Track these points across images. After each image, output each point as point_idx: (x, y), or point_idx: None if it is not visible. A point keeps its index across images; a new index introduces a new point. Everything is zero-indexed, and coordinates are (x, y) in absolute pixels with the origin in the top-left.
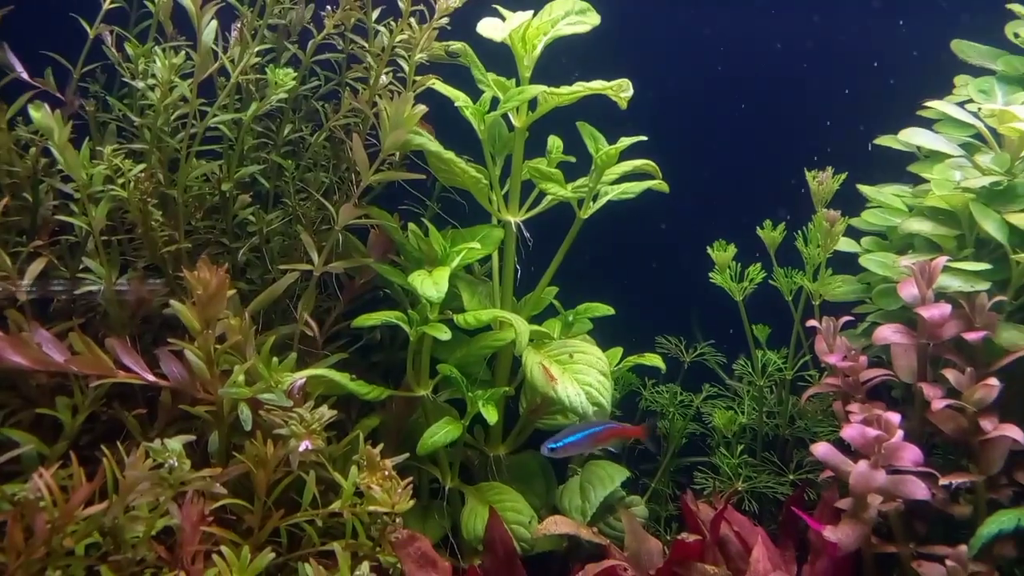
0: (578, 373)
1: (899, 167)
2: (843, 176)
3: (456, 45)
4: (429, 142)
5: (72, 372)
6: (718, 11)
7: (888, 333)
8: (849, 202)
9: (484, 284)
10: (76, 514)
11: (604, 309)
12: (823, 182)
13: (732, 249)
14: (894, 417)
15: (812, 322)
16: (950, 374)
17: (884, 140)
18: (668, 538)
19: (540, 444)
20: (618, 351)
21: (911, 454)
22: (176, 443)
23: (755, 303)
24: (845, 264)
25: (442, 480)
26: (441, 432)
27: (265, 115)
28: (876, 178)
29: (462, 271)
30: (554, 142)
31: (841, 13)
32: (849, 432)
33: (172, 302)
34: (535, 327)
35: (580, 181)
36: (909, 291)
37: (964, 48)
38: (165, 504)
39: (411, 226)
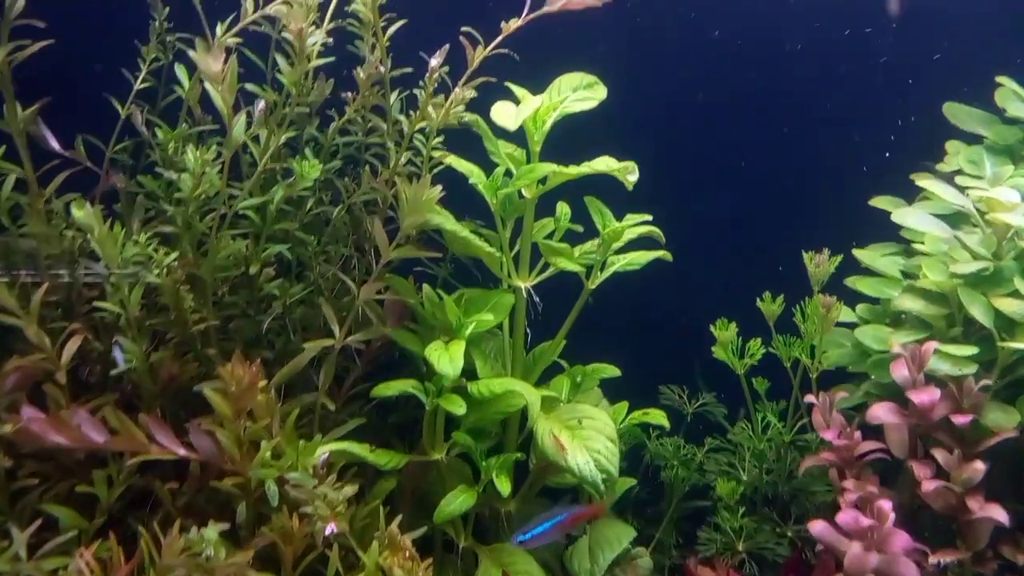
0: (587, 440)
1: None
2: (838, 259)
3: (468, 116)
4: (446, 221)
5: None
6: (721, 81)
7: (881, 413)
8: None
9: (495, 338)
10: None
11: (611, 371)
12: (820, 264)
13: (733, 327)
14: (886, 504)
15: (810, 398)
16: (939, 454)
17: (879, 202)
18: None
19: (550, 496)
20: (624, 406)
21: (901, 541)
22: (213, 532)
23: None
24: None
25: (456, 539)
26: (456, 501)
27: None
28: (873, 231)
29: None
30: (562, 209)
31: (843, 74)
32: (844, 519)
33: (205, 389)
34: (544, 391)
35: (588, 246)
36: (901, 373)
37: (956, 111)
38: None
39: (426, 291)
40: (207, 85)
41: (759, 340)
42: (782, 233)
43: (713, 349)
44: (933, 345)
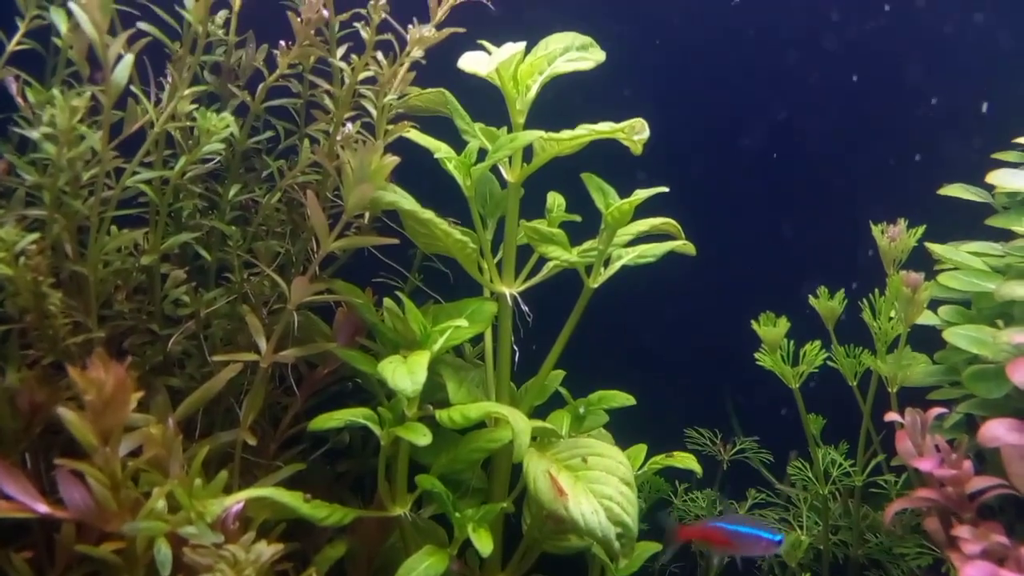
0: (594, 483)
1: (969, 223)
2: (920, 229)
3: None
4: (403, 200)
5: None
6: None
7: (1000, 431)
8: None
9: (476, 369)
10: None
11: (623, 398)
12: (895, 238)
13: (784, 323)
14: None
15: (892, 415)
16: None
17: (952, 190)
18: None
19: (551, 569)
20: (642, 449)
21: None
22: None
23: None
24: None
25: None
26: (421, 567)
27: (209, 175)
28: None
29: (448, 354)
30: (555, 199)
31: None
32: (972, 574)
33: (60, 409)
34: (538, 423)
35: (588, 244)
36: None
37: None
38: None
39: (387, 303)
40: (73, 6)
41: (817, 344)
42: (834, 227)
43: (757, 356)
44: None
